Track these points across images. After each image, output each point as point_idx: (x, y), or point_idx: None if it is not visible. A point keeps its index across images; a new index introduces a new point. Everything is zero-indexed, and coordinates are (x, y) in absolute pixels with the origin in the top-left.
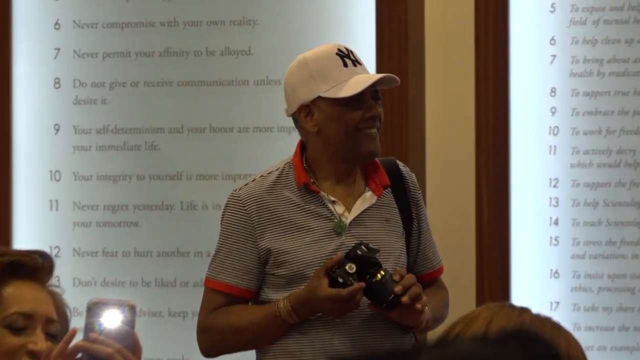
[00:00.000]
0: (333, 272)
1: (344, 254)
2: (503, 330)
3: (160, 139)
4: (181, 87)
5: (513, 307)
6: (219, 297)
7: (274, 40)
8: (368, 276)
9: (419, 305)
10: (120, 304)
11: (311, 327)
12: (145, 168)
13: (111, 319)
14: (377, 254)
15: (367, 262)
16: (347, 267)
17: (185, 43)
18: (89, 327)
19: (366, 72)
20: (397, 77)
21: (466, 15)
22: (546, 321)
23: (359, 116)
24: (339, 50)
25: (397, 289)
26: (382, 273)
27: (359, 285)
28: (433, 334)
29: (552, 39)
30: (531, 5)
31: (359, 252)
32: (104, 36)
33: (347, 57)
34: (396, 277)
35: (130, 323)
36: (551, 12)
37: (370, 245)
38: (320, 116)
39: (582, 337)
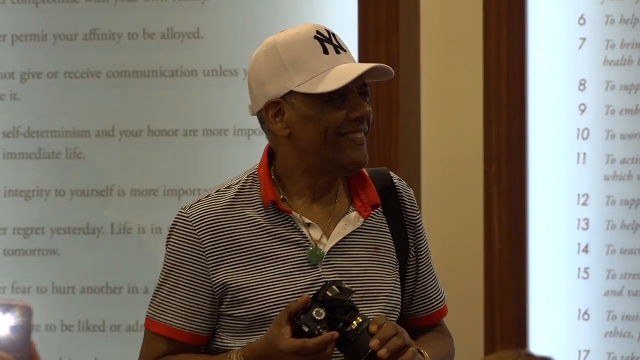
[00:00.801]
0: (297, 319)
1: (312, 296)
2: None
3: (86, 145)
4: (112, 79)
5: (532, 356)
6: (162, 344)
7: (229, 21)
8: (341, 324)
9: None
10: (9, 306)
11: None
12: (67, 182)
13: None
14: (355, 295)
15: (339, 306)
16: (314, 313)
17: (117, 23)
18: None
19: (352, 60)
20: (391, 68)
21: None
22: None
23: (341, 117)
24: (318, 32)
25: (373, 343)
26: (359, 321)
27: (329, 335)
28: None
29: (582, 17)
30: None
31: (329, 293)
32: (13, 14)
33: (328, 41)
34: (373, 329)
35: (25, 329)
36: None
37: (344, 285)
38: (292, 116)
39: None
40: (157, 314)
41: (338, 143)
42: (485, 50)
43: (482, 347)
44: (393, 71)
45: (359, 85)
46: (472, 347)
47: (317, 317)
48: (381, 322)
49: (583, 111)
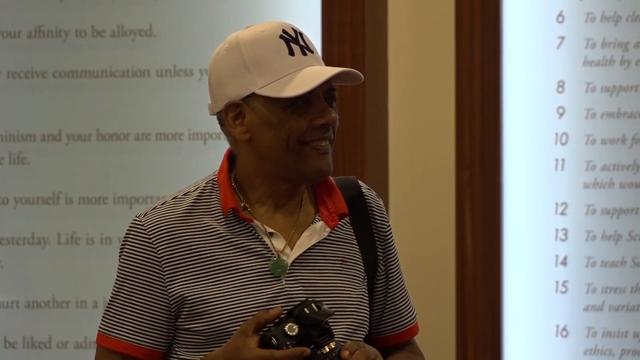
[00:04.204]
0: (267, 330)
1: (285, 310)
2: None
3: (30, 150)
4: (58, 80)
5: None
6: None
7: (184, 17)
8: (313, 345)
9: None
10: None
11: None
12: (10, 188)
13: None
14: (329, 318)
15: (314, 326)
16: (287, 327)
17: (64, 20)
18: None
19: (319, 62)
20: (360, 74)
21: None
22: None
23: (305, 124)
24: (284, 31)
25: None
26: (332, 346)
27: (299, 349)
28: None
29: (560, 14)
30: None
31: (306, 310)
32: None
33: (294, 41)
34: (345, 355)
35: None
36: None
37: (324, 305)
38: (253, 120)
39: None
40: (109, 329)
41: (301, 151)
42: (457, 49)
43: None
44: (362, 76)
45: (325, 89)
46: None
47: (289, 332)
48: (353, 348)
49: (561, 114)
